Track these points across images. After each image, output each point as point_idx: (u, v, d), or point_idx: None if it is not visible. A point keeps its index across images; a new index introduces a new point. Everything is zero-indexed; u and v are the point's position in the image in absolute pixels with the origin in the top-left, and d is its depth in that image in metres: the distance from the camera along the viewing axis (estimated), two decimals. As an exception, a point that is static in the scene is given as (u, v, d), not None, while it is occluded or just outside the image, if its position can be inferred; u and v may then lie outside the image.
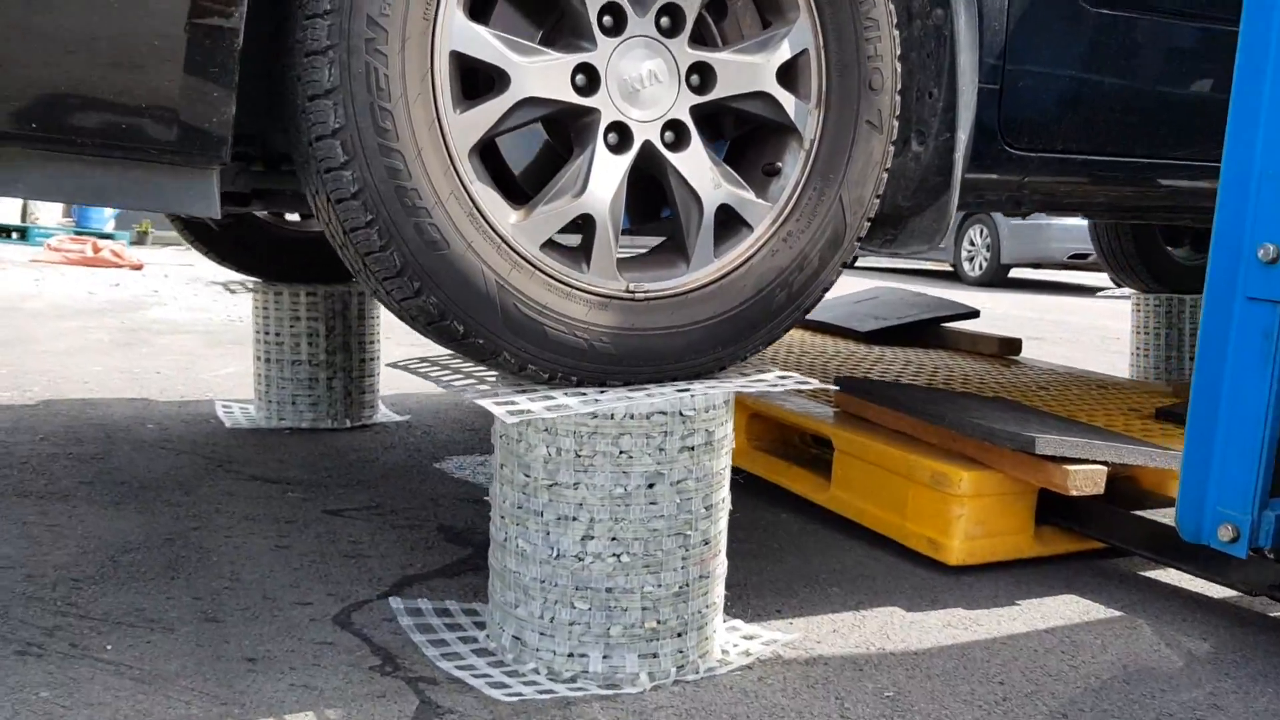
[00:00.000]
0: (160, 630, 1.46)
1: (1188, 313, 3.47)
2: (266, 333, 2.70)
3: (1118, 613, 1.68)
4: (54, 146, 1.14)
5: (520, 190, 1.45)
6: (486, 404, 1.23)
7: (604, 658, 1.33)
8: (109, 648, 1.39)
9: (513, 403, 1.24)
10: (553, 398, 1.27)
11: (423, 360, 1.55)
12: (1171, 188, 1.80)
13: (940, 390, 2.29)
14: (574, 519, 1.31)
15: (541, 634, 1.34)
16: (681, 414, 1.31)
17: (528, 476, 1.33)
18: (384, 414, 2.86)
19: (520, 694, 1.29)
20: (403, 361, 1.57)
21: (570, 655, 1.33)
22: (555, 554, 1.32)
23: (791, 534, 2.00)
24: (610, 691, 1.31)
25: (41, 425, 2.60)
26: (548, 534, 1.32)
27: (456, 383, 1.34)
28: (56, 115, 1.12)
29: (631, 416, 1.29)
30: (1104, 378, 2.91)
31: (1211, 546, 1.49)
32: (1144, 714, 1.34)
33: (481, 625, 1.49)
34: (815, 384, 1.37)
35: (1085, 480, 1.69)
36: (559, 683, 1.32)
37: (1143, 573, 1.87)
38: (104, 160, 1.16)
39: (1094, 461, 1.72)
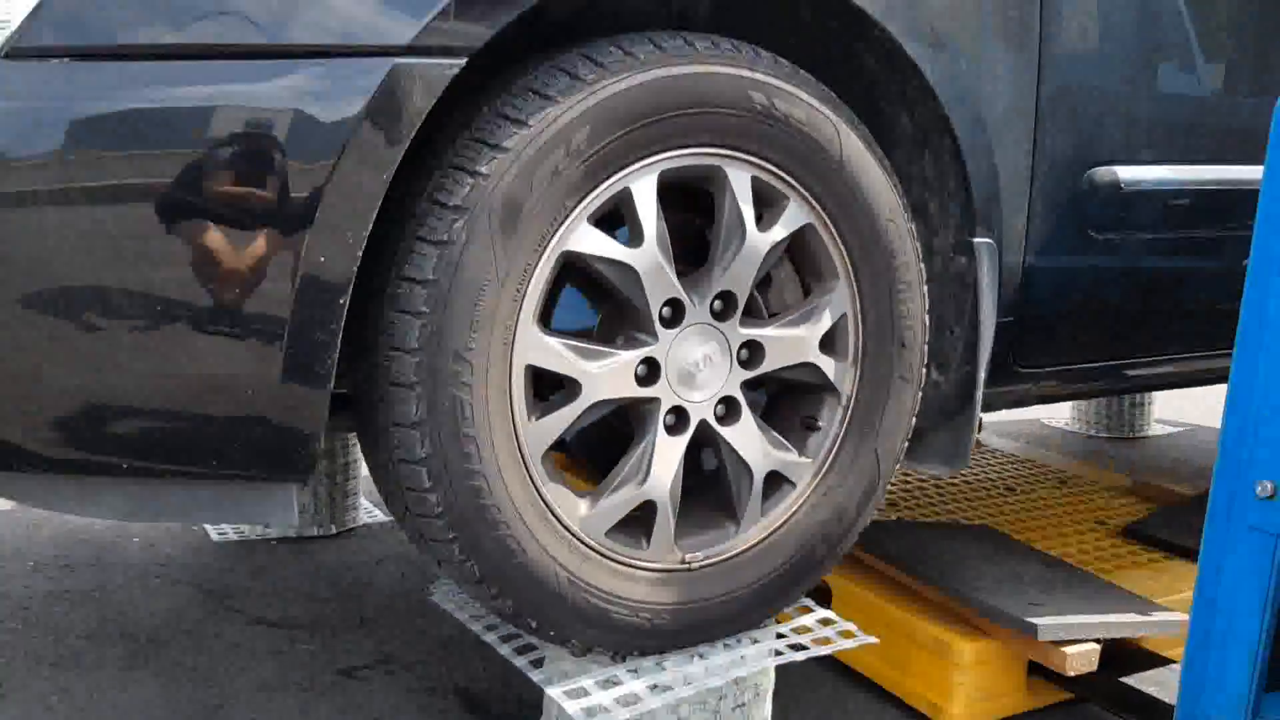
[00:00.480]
0: None
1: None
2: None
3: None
4: (138, 475, 1.17)
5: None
6: (555, 693, 1.29)
7: None
8: None
9: (584, 692, 1.30)
10: (620, 682, 1.33)
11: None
12: (1159, 374, 1.93)
13: (926, 527, 2.39)
14: None
15: None
16: (735, 680, 1.39)
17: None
18: (365, 511, 2.89)
19: None
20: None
21: None
22: None
23: (793, 682, 2.09)
24: None
25: (28, 547, 2.58)
26: None
27: (517, 661, 1.40)
28: (144, 447, 1.14)
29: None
30: (1061, 469, 3.04)
31: None
32: None
33: None
34: (858, 637, 1.46)
35: (1082, 662, 1.81)
36: None
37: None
38: (186, 482, 1.19)
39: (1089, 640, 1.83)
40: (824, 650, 1.46)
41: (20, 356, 1.07)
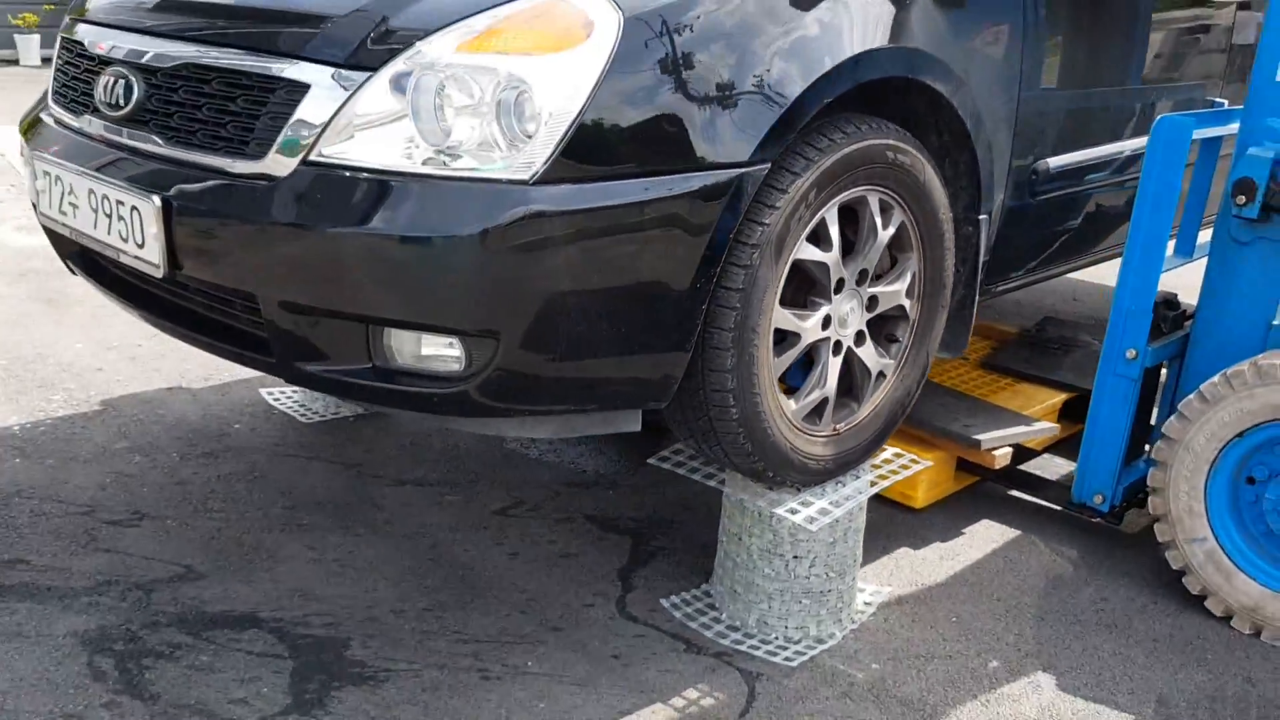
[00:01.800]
0: (533, 642, 2.32)
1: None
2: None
3: (1017, 532, 2.91)
4: (585, 411, 1.96)
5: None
6: (781, 511, 2.20)
7: (819, 626, 2.37)
8: (529, 664, 2.26)
9: (797, 510, 2.21)
10: (810, 503, 2.25)
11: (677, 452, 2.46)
12: (1053, 272, 2.99)
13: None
14: (802, 557, 2.32)
15: (779, 617, 2.35)
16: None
17: (775, 536, 2.31)
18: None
19: (777, 654, 2.31)
20: (668, 458, 2.47)
21: (799, 628, 2.36)
22: (792, 575, 2.33)
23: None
24: (826, 644, 2.36)
25: (151, 443, 3.13)
26: (787, 564, 2.32)
27: (734, 489, 2.28)
28: (595, 396, 1.93)
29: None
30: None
31: (1088, 505, 2.73)
32: (1068, 613, 2.56)
33: (712, 607, 2.46)
34: (920, 463, 2.43)
35: (1003, 459, 2.88)
36: (794, 644, 2.35)
37: (1008, 494, 3.10)
38: (600, 412, 1.99)
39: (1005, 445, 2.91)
40: (907, 473, 2.44)
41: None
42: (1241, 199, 2.44)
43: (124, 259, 2.05)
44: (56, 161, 2.17)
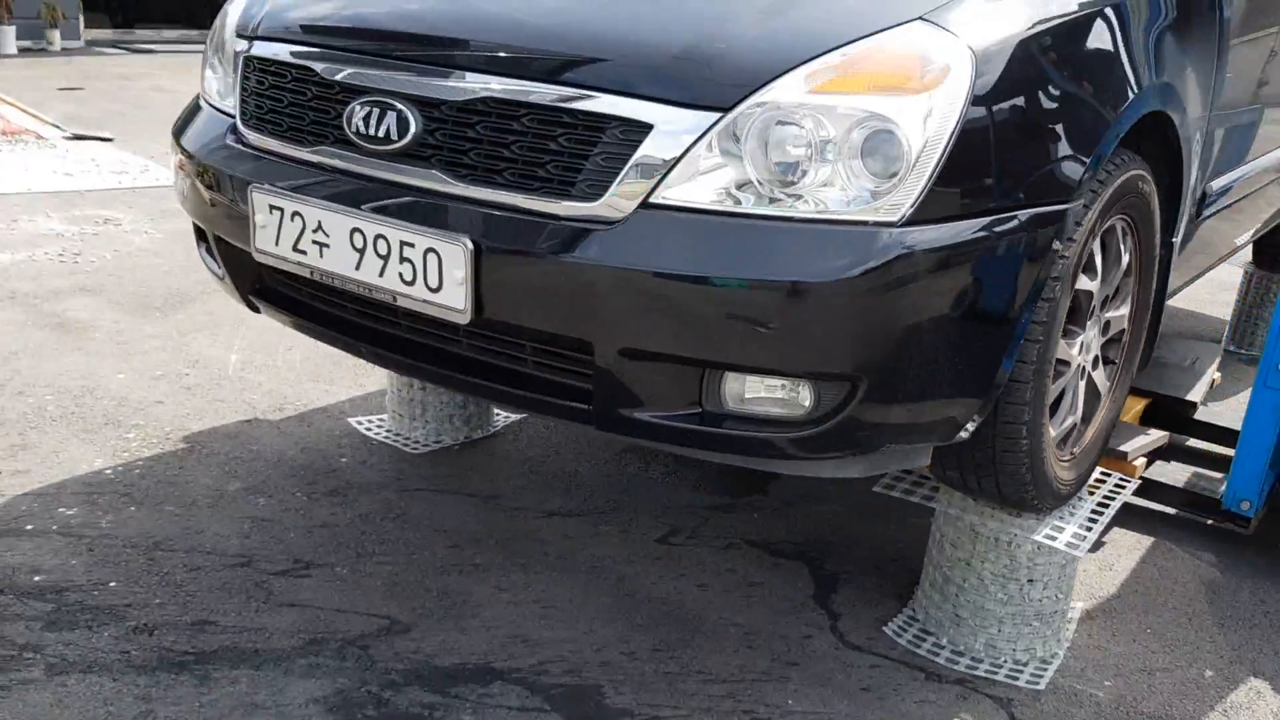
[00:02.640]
0: (778, 679, 2.29)
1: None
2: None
3: (1150, 539, 3.02)
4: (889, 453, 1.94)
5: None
6: (1038, 537, 2.23)
7: (1044, 646, 2.42)
8: (790, 703, 2.24)
9: (1054, 536, 2.25)
10: (1062, 528, 2.29)
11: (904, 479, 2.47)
12: None
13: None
14: (1037, 580, 2.36)
15: (1008, 640, 2.39)
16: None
17: (1012, 561, 2.35)
18: (497, 414, 3.48)
19: (1017, 677, 2.34)
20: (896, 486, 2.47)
21: (1027, 649, 2.41)
22: (1025, 599, 2.37)
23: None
24: (1053, 665, 2.41)
25: (258, 481, 2.93)
26: (1021, 588, 2.36)
27: (969, 515, 2.30)
28: (915, 433, 1.92)
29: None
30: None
31: (1235, 512, 2.86)
32: (1241, 617, 2.68)
33: (926, 632, 2.48)
34: (1132, 481, 2.50)
35: (1140, 468, 2.98)
36: (1025, 667, 2.39)
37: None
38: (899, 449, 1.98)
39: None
40: (1126, 494, 2.51)
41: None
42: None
43: (404, 303, 1.93)
44: (293, 196, 2.02)
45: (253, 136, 2.17)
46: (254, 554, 2.56)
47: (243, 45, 2.24)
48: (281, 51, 2.14)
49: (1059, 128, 1.88)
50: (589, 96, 1.78)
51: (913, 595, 2.56)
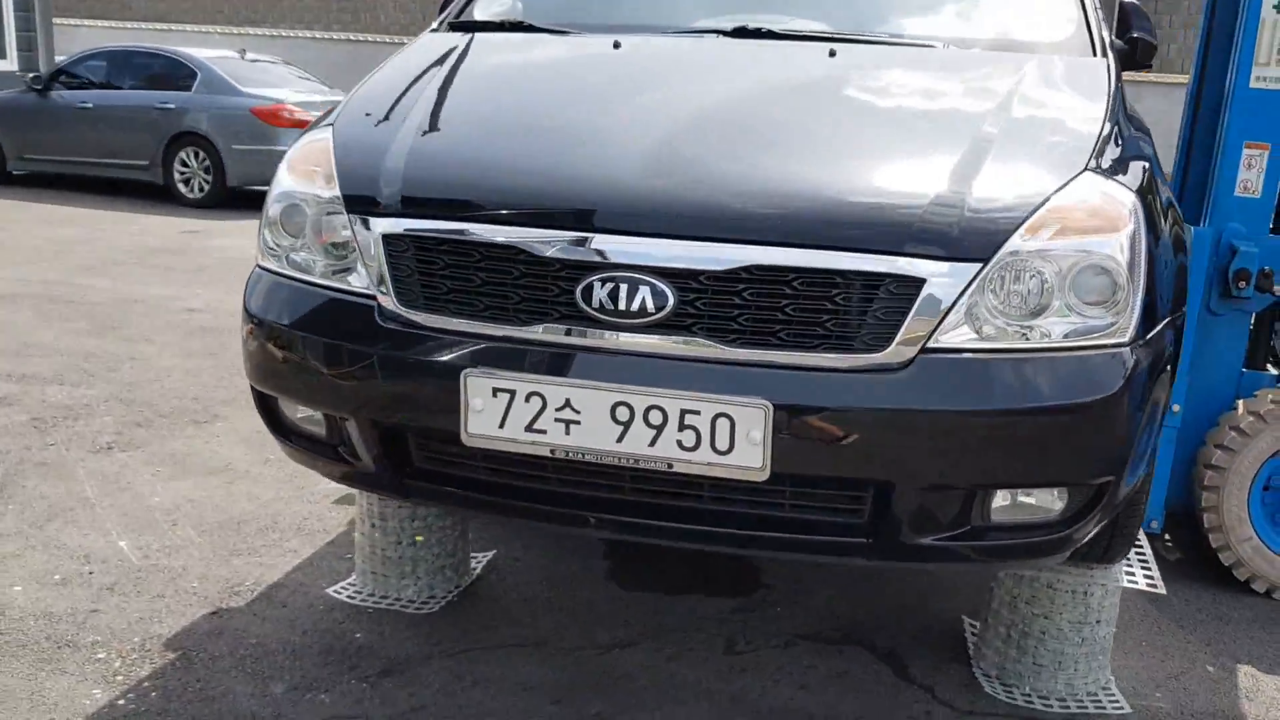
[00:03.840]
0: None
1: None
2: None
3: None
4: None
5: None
6: (1126, 583, 2.64)
7: (1104, 673, 2.83)
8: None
9: (1133, 579, 2.67)
10: (1131, 573, 2.71)
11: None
12: None
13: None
14: (1104, 621, 2.77)
15: (1082, 677, 2.77)
16: None
17: (1087, 607, 2.74)
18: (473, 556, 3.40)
19: (1105, 706, 2.72)
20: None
21: (1094, 681, 2.80)
22: (1095, 638, 2.76)
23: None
24: (1110, 688, 2.82)
25: (274, 669, 2.72)
26: (1093, 629, 2.76)
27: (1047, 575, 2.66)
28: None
29: None
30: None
31: (1147, 530, 3.46)
32: (1185, 613, 3.27)
33: (1007, 684, 2.81)
34: None
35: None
36: (1099, 697, 2.79)
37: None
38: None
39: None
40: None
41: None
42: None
43: (681, 468, 1.97)
44: (527, 378, 1.99)
45: (427, 319, 2.08)
46: (378, 756, 2.39)
47: (384, 222, 2.14)
48: (456, 229, 2.08)
49: (1174, 250, 2.29)
50: (863, 257, 1.94)
51: (975, 654, 2.86)
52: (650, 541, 2.15)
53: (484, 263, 2.06)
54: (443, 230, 2.09)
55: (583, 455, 1.99)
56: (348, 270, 2.18)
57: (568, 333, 2.00)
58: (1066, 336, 1.99)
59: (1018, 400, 1.93)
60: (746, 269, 1.95)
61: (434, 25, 3.11)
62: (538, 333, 2.02)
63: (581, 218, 2.05)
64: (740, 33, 2.79)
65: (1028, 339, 1.97)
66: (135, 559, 3.22)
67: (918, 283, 1.93)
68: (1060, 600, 2.69)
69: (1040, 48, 2.73)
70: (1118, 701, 2.71)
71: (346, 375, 2.14)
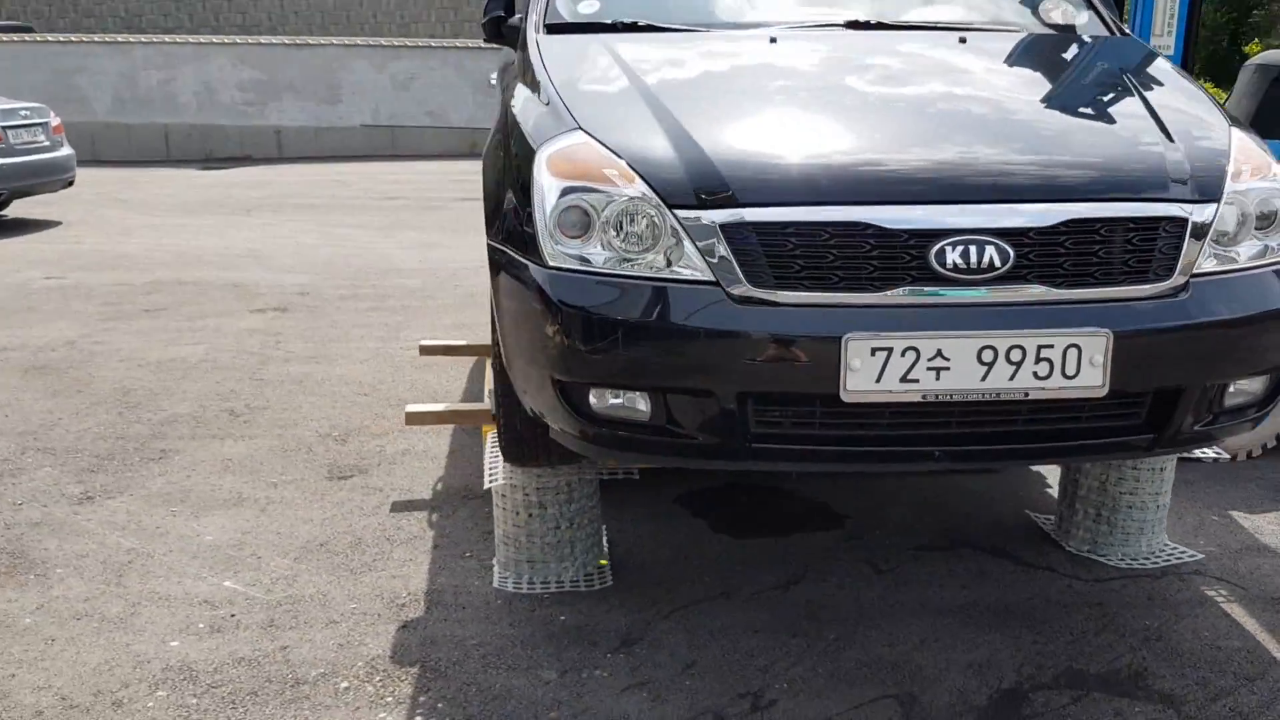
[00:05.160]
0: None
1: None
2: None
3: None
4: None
5: None
6: (1198, 454, 3.31)
7: (1167, 535, 3.52)
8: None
9: (1204, 451, 3.33)
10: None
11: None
12: None
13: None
14: (1167, 489, 3.44)
15: (1156, 537, 3.43)
16: None
17: (1163, 479, 3.40)
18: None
19: (1182, 555, 3.39)
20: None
21: (1162, 541, 3.48)
22: (1162, 505, 3.42)
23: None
24: (1173, 543, 3.51)
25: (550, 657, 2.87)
26: (1163, 497, 3.43)
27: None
28: None
29: None
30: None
31: None
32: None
33: (1099, 554, 3.42)
34: None
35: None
36: (1171, 551, 3.46)
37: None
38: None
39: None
40: None
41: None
42: None
43: (1036, 395, 2.35)
44: (903, 335, 2.29)
45: (781, 295, 2.31)
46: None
47: (717, 213, 2.33)
48: (803, 215, 2.33)
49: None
50: (1147, 205, 2.41)
51: (1061, 537, 3.42)
52: (978, 467, 2.50)
53: (834, 240, 2.32)
54: (788, 216, 2.33)
55: (950, 396, 2.32)
56: (665, 260, 2.34)
57: (927, 293, 2.31)
58: (1253, 258, 2.54)
59: (1260, 306, 2.46)
60: (1065, 223, 2.35)
61: (529, 27, 3.21)
62: (900, 296, 2.31)
63: (916, 193, 2.36)
64: (854, 25, 3.17)
65: (1236, 261, 2.51)
66: (261, 595, 3.12)
67: (1184, 222, 2.42)
68: (1144, 478, 3.30)
69: (1077, 30, 3.31)
70: (1187, 552, 3.37)
71: (707, 355, 2.32)
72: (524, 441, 2.89)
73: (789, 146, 2.46)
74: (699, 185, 2.34)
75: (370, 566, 3.28)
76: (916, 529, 3.53)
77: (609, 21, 3.19)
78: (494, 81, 5.45)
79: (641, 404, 2.39)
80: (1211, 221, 2.43)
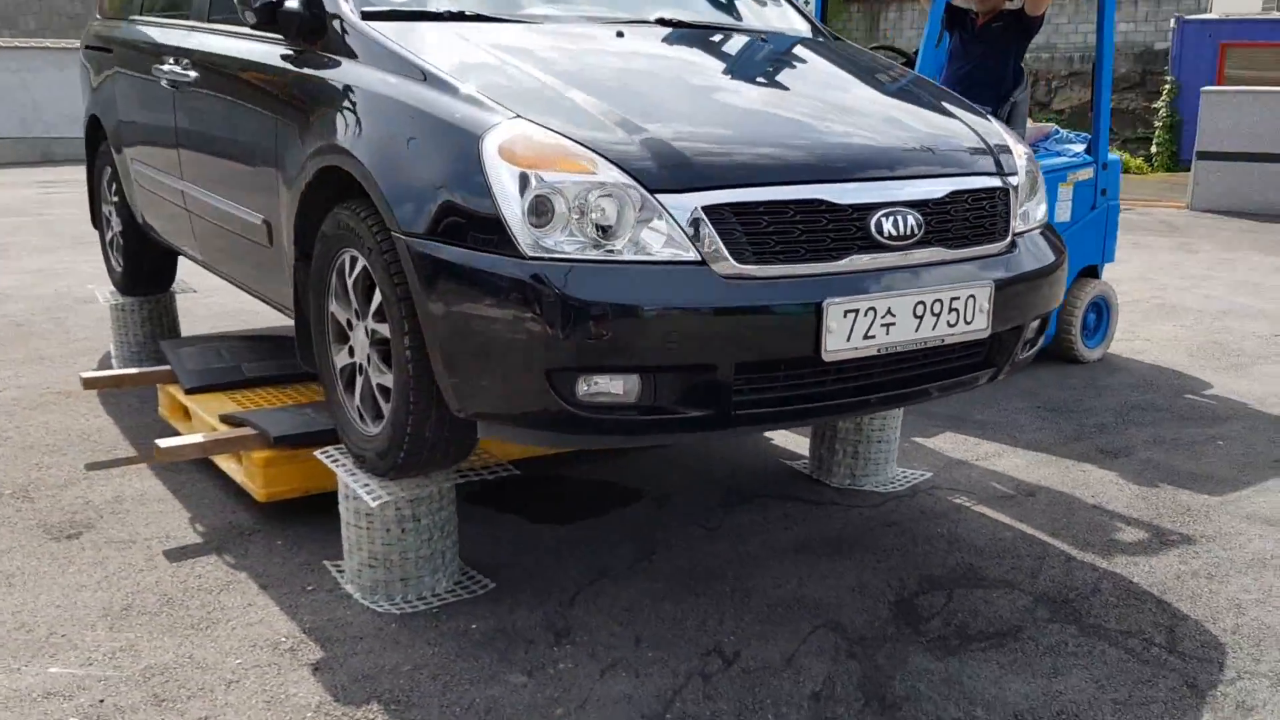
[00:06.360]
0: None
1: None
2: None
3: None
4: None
5: None
6: None
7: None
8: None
9: None
10: None
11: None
12: None
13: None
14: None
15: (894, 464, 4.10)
16: None
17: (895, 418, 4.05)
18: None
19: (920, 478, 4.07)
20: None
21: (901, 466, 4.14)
22: (896, 438, 4.10)
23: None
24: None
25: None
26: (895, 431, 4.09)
27: None
28: None
29: None
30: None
31: None
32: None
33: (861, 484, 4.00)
34: None
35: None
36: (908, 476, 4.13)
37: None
38: None
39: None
40: None
41: None
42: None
43: (949, 341, 2.79)
44: (865, 297, 2.58)
45: (761, 270, 2.50)
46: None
47: (696, 196, 2.48)
48: (772, 194, 2.52)
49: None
50: (999, 178, 2.95)
51: (819, 472, 3.93)
52: (892, 407, 2.88)
53: (798, 216, 2.57)
54: (758, 196, 2.54)
55: (895, 348, 2.69)
56: (647, 243, 2.42)
57: (861, 261, 2.61)
58: (1036, 220, 3.19)
59: (1049, 258, 3.10)
60: (950, 194, 2.81)
61: (342, 11, 3.06)
62: (859, 263, 2.59)
63: (848, 172, 2.68)
64: (662, 23, 3.41)
65: (1028, 222, 3.14)
66: (115, 673, 2.71)
67: (1007, 191, 2.99)
68: (890, 415, 3.92)
69: (801, 32, 3.82)
70: (918, 473, 4.05)
71: (706, 332, 2.46)
72: (431, 450, 2.80)
73: (733, 132, 2.67)
74: (673, 169, 2.46)
75: (210, 620, 2.94)
76: (702, 490, 3.84)
77: (432, 10, 3.14)
78: (91, 73, 4.89)
79: (629, 385, 2.47)
80: (1018, 190, 3.01)
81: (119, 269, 5.24)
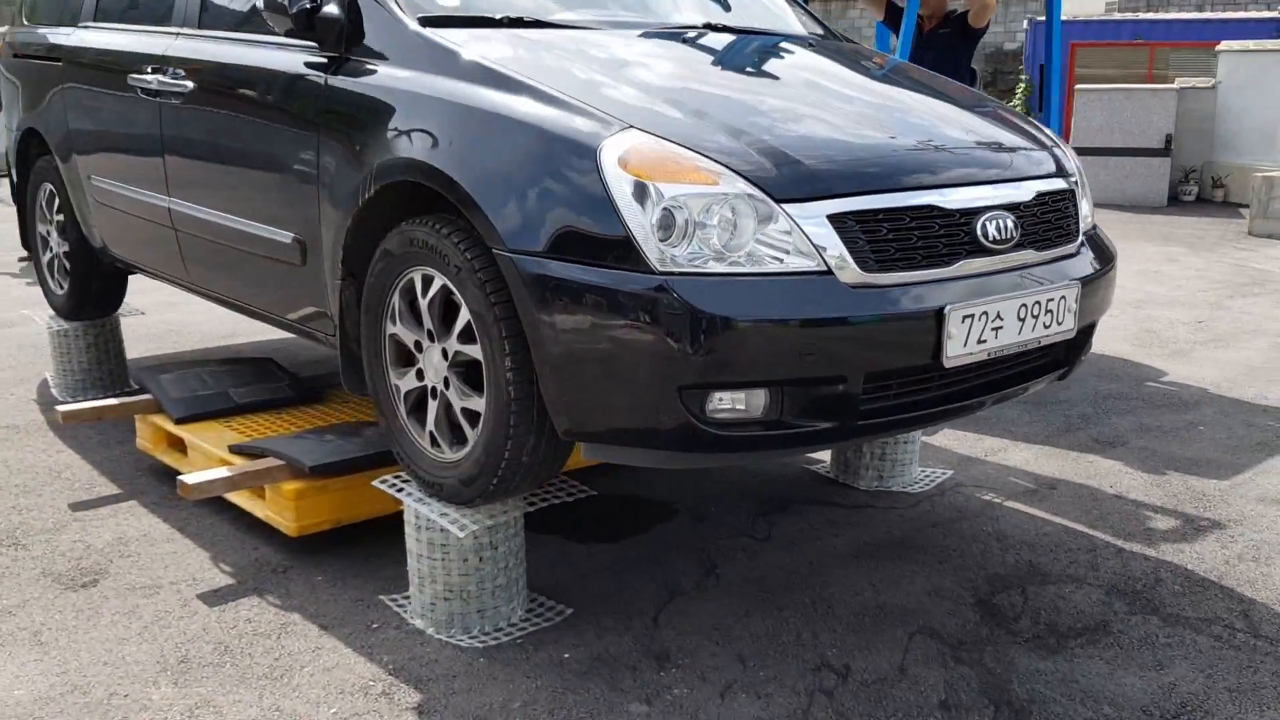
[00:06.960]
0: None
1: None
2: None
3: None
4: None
5: None
6: None
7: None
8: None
9: None
10: None
11: None
12: None
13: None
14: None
15: (917, 467, 4.13)
16: None
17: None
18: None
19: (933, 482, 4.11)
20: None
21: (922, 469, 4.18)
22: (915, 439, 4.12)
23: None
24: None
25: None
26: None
27: None
28: None
29: None
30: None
31: None
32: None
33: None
34: None
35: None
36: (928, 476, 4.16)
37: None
38: None
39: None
40: None
41: None
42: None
43: (1045, 342, 2.82)
44: (979, 302, 2.57)
45: (885, 278, 2.48)
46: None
47: (820, 205, 2.43)
48: (890, 202, 2.48)
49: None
50: (1059, 179, 3.00)
51: (846, 477, 3.94)
52: (992, 404, 2.88)
53: (913, 223, 2.56)
54: (878, 204, 2.48)
55: (1002, 351, 2.69)
56: (776, 254, 2.35)
57: (968, 266, 2.59)
58: (1088, 220, 3.25)
59: (1109, 257, 3.16)
60: (1036, 196, 2.83)
61: (398, 17, 2.92)
62: (969, 267, 2.59)
63: (953, 177, 2.67)
64: (710, 28, 3.35)
65: (1086, 222, 3.18)
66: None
67: (1074, 193, 3.04)
68: (916, 416, 3.94)
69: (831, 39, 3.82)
70: (940, 472, 4.09)
71: (839, 342, 2.42)
72: (525, 474, 2.69)
73: (841, 139, 2.62)
74: (797, 178, 2.41)
75: (282, 668, 2.76)
76: (735, 501, 3.79)
77: (494, 17, 3.02)
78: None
79: (755, 399, 2.41)
80: (1079, 189, 3.06)
81: (60, 292, 4.89)
